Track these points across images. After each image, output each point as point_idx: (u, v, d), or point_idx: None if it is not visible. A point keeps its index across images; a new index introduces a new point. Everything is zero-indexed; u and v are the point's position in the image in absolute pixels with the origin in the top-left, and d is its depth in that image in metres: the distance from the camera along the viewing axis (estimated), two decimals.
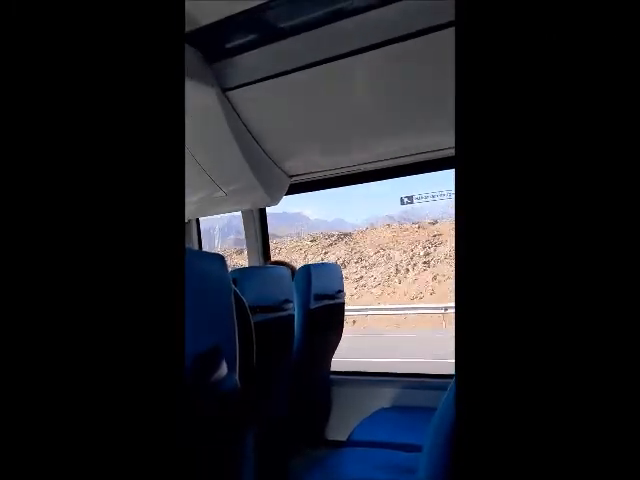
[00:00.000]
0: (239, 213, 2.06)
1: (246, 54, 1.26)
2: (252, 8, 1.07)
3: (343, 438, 1.71)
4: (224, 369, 0.51)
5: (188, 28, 1.15)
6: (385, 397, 1.74)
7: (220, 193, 1.66)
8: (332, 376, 1.83)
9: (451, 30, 1.03)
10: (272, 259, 1.99)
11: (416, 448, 1.36)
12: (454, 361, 0.41)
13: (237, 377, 0.57)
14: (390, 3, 1.04)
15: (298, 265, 1.73)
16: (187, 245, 2.20)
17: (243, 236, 2.07)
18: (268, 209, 2.01)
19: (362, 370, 1.99)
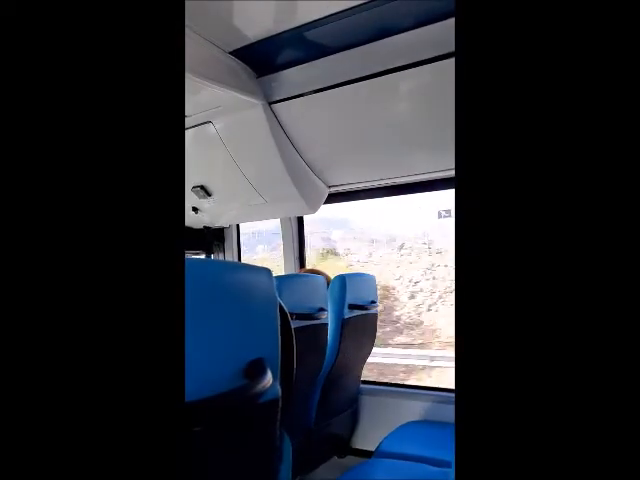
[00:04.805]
0: None
1: (292, 69, 1.31)
2: (299, 26, 1.11)
3: (371, 448, 1.70)
4: (269, 379, 0.53)
5: (239, 44, 1.21)
6: (415, 410, 1.73)
7: (260, 200, 1.71)
8: (362, 385, 1.83)
9: None
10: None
11: (445, 463, 1.35)
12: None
13: (279, 386, 0.60)
14: (434, 22, 1.06)
15: None
16: (227, 250, 2.26)
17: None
18: (316, 213, 2.02)
19: None
